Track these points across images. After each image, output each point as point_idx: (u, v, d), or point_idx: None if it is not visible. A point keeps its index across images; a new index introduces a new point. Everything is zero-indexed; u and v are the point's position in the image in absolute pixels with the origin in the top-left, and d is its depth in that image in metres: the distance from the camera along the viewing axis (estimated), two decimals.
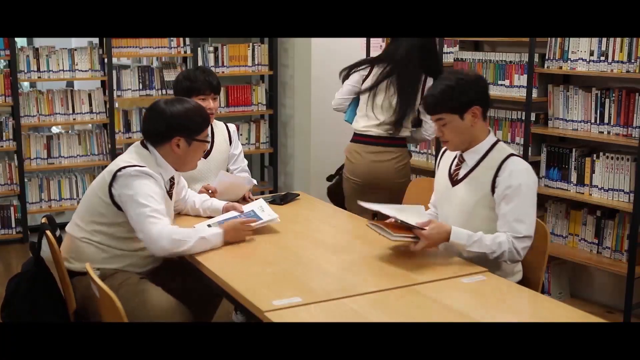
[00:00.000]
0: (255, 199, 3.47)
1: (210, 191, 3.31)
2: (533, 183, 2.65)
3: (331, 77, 5.91)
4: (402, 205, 3.17)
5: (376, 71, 3.77)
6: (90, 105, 5.55)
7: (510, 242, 2.56)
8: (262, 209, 3.04)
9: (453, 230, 2.57)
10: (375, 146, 3.73)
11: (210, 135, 3.56)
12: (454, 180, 2.79)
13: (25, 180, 5.40)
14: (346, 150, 3.91)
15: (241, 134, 5.94)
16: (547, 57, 3.95)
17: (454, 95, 2.61)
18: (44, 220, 2.88)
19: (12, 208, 5.35)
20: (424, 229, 2.54)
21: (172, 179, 2.90)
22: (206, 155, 3.53)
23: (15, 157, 5.31)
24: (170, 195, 2.90)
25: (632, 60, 3.57)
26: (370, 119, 3.75)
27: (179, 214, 3.16)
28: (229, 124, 3.68)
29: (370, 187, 3.70)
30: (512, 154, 2.70)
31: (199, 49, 5.74)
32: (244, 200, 3.41)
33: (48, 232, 2.79)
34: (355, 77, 3.91)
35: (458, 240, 2.57)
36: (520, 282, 2.68)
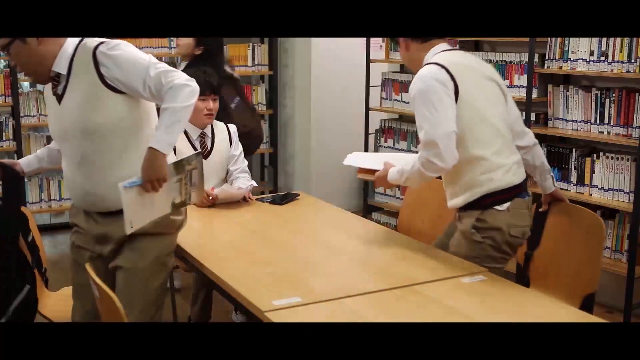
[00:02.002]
0: (256, 199, 3.48)
1: (210, 197, 3.30)
2: (426, 86, 2.52)
3: (331, 77, 5.93)
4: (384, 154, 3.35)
5: None
6: None
7: (420, 155, 2.54)
8: None
9: (389, 172, 2.70)
10: None
11: (210, 136, 3.56)
12: None
13: (25, 180, 5.40)
14: None
15: None
16: (547, 57, 3.95)
17: None
18: None
19: None
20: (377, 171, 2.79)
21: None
22: (206, 156, 3.53)
23: (15, 157, 5.31)
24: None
25: (632, 60, 3.57)
26: None
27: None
28: (229, 125, 3.67)
29: None
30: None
31: None
32: (245, 201, 3.42)
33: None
34: None
35: (393, 178, 2.70)
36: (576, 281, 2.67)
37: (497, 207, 2.59)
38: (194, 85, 2.39)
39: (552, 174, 2.90)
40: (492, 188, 2.58)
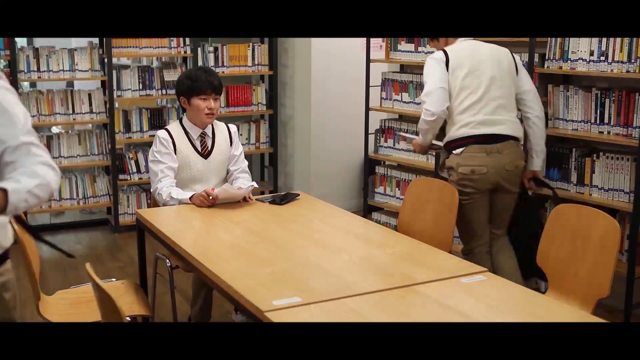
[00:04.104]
0: (256, 199, 3.48)
1: (210, 197, 3.30)
2: (429, 62, 3.51)
3: (331, 77, 5.93)
4: None
5: None
6: (90, 105, 5.55)
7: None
8: None
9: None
10: None
11: (211, 135, 3.56)
12: None
13: None
14: None
15: (241, 134, 5.94)
16: (547, 57, 3.95)
17: None
18: None
19: None
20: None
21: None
22: (207, 155, 3.53)
23: None
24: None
25: (632, 60, 3.57)
26: None
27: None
28: (230, 125, 3.68)
29: None
30: None
31: (199, 49, 5.75)
32: (245, 201, 3.42)
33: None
34: None
35: (418, 138, 3.70)
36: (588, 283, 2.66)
37: (454, 152, 3.47)
38: (58, 178, 1.99)
39: (542, 157, 3.66)
40: (450, 137, 3.50)
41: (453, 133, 3.45)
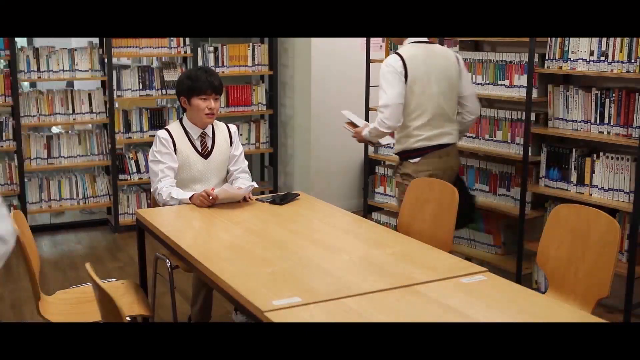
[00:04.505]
0: (256, 199, 3.48)
1: (210, 197, 3.30)
2: (387, 69, 3.58)
3: (331, 77, 5.93)
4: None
5: None
6: (90, 105, 5.55)
7: (378, 116, 3.61)
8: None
9: (364, 129, 3.80)
10: None
11: (211, 136, 3.56)
12: None
13: (25, 180, 5.40)
14: None
15: (241, 134, 5.94)
16: (547, 57, 3.95)
17: None
18: None
19: (12, 208, 5.35)
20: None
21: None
22: (207, 155, 3.53)
23: (15, 157, 5.32)
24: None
25: (632, 60, 3.57)
26: None
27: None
28: (230, 125, 3.68)
29: None
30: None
31: (199, 49, 5.75)
32: (245, 201, 3.42)
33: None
34: None
35: (365, 134, 3.80)
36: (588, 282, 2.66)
37: (410, 160, 3.71)
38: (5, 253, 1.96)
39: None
40: (407, 148, 3.71)
41: (410, 145, 3.69)
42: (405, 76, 3.57)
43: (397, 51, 3.65)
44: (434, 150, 3.69)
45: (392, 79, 3.58)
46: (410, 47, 3.66)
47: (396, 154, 3.82)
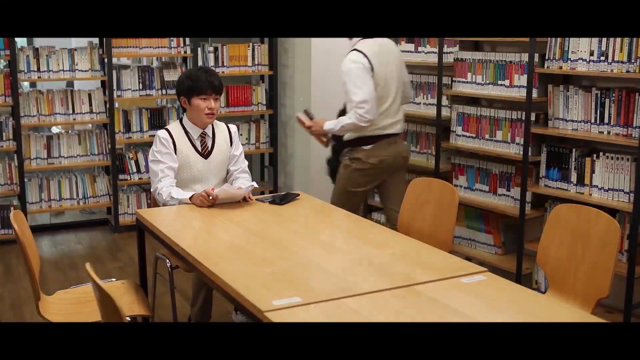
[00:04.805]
0: (256, 199, 3.48)
1: (210, 197, 3.30)
2: (357, 66, 3.82)
3: (331, 77, 5.91)
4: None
5: None
6: (90, 105, 5.55)
7: (354, 111, 3.82)
8: None
9: (326, 122, 4.01)
10: None
11: (211, 135, 3.56)
12: None
13: (25, 180, 5.40)
14: None
15: (241, 134, 5.94)
16: (547, 57, 3.95)
17: None
18: None
19: (12, 208, 5.35)
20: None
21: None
22: (207, 155, 3.53)
23: (15, 157, 5.32)
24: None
25: (632, 60, 3.57)
26: None
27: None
28: (230, 125, 3.68)
29: None
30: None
31: (199, 49, 5.75)
32: (245, 201, 3.42)
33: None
34: None
35: (329, 127, 4.00)
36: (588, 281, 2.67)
37: (363, 147, 3.97)
38: None
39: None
40: (361, 135, 3.96)
41: (365, 134, 3.96)
42: (372, 71, 3.84)
43: (357, 48, 3.88)
44: (385, 138, 4.00)
45: (363, 75, 3.82)
46: (366, 43, 3.90)
47: (348, 140, 4.06)
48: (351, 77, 3.85)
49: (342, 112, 4.16)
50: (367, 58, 3.83)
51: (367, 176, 4.03)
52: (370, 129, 3.91)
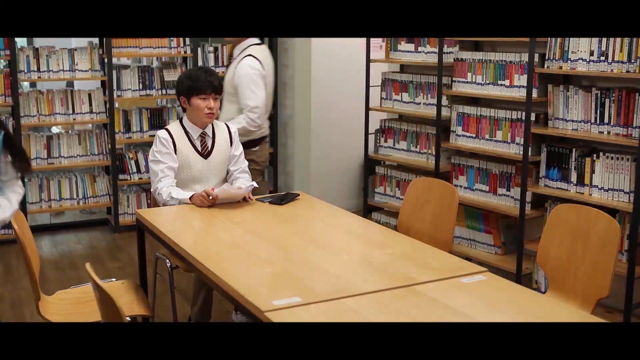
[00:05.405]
0: (256, 199, 3.48)
1: (210, 197, 3.30)
2: (254, 72, 4.00)
3: (331, 77, 5.93)
4: None
5: None
6: (90, 105, 5.55)
7: (246, 115, 4.02)
8: None
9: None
10: None
11: (211, 135, 3.56)
12: None
13: (25, 180, 5.40)
14: None
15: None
16: (547, 57, 3.95)
17: None
18: None
19: None
20: None
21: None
22: (207, 155, 3.53)
23: None
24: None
25: (632, 60, 3.57)
26: None
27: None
28: (230, 125, 3.68)
29: None
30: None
31: (199, 49, 5.74)
32: (245, 201, 3.42)
33: None
34: None
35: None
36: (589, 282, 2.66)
37: (252, 149, 4.14)
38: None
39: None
40: (252, 138, 4.15)
41: (255, 136, 4.19)
42: (265, 77, 4.10)
43: (252, 54, 4.06)
44: (264, 140, 4.37)
45: (260, 81, 4.06)
46: (258, 49, 4.14)
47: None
48: (248, 82, 4.02)
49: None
50: (262, 64, 4.06)
51: (260, 176, 4.30)
52: (258, 132, 4.17)
